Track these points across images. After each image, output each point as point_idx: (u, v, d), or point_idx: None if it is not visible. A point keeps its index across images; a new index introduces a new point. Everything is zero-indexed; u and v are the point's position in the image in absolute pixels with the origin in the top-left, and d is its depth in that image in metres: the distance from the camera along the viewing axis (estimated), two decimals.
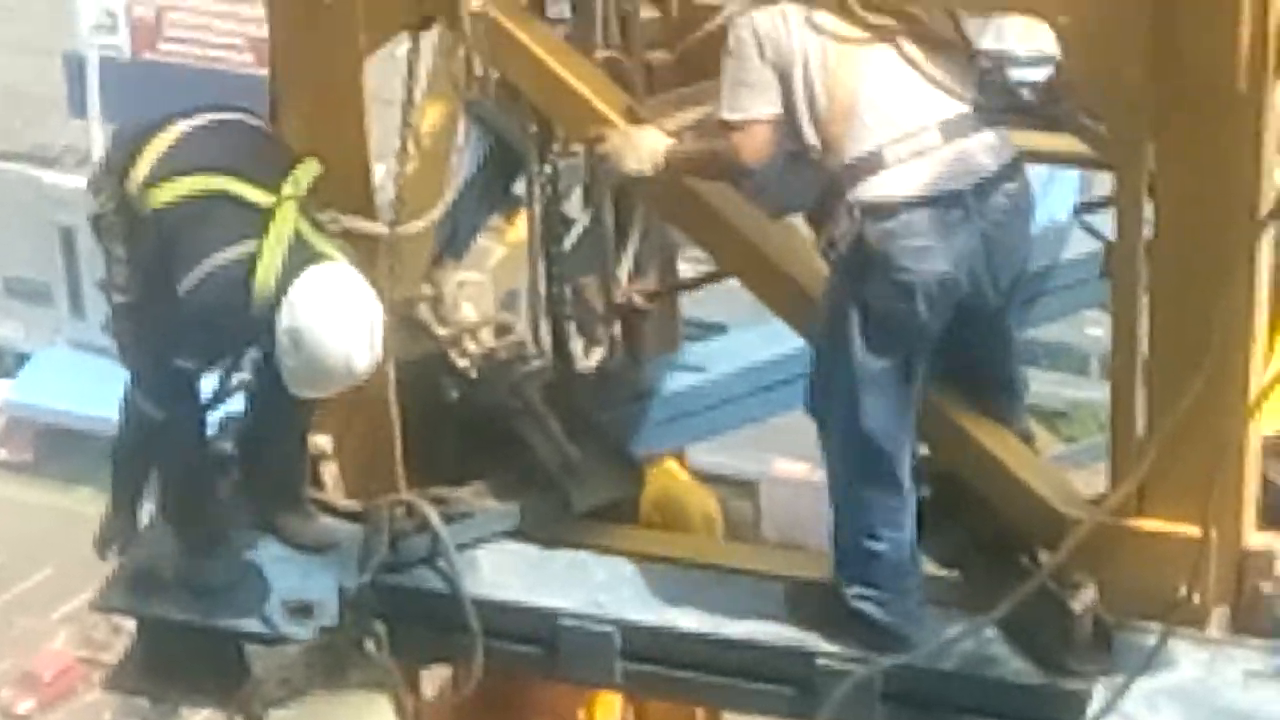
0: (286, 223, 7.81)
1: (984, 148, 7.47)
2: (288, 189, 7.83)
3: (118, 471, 8.40)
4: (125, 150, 8.03)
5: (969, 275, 7.42)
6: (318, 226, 7.79)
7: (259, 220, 7.80)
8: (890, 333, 7.45)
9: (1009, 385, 7.97)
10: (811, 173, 7.52)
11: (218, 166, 7.92)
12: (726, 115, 7.47)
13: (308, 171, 7.85)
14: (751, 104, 7.44)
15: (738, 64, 7.45)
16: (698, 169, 7.76)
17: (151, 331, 7.97)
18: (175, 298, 7.78)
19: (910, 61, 7.47)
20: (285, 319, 7.60)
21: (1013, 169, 7.52)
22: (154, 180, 7.90)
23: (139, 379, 8.09)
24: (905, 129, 7.41)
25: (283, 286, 7.66)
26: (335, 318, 7.60)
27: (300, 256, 7.69)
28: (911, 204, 7.34)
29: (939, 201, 7.36)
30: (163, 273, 7.85)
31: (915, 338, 7.47)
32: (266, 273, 7.72)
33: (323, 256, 7.69)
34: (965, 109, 7.48)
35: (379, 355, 7.63)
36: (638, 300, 8.96)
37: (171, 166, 7.91)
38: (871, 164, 7.39)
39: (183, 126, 8.02)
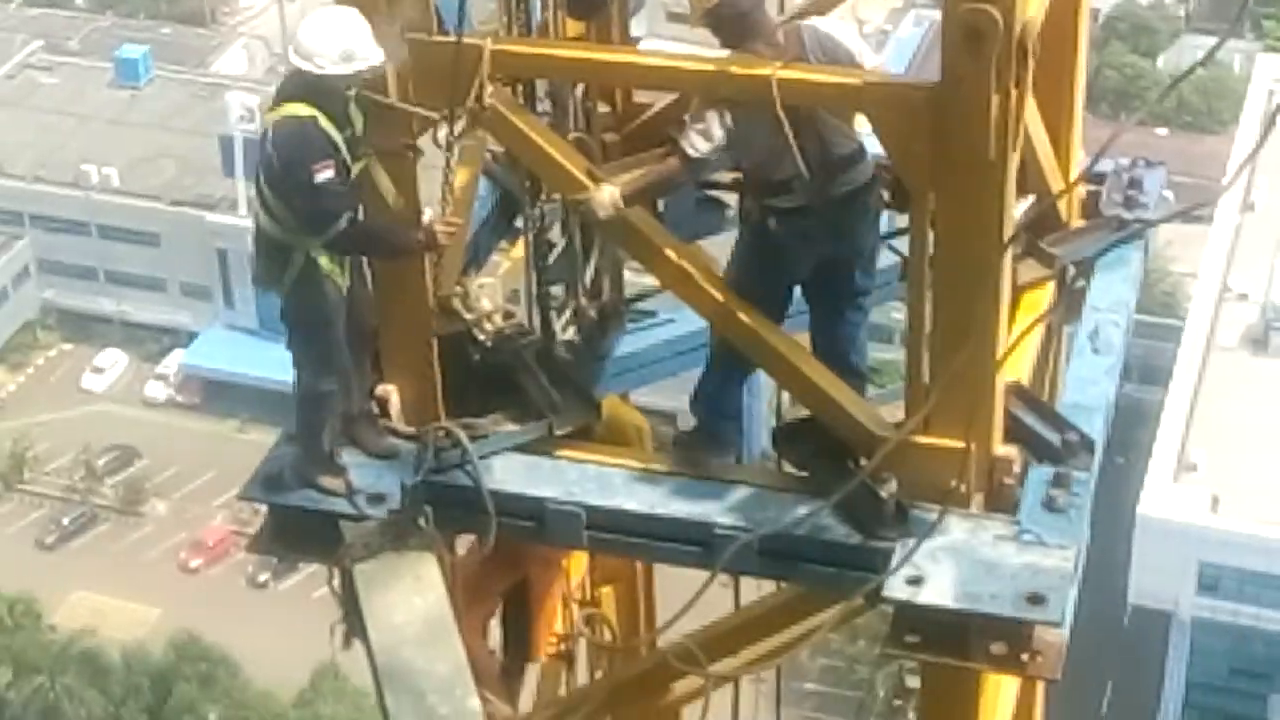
0: (271, 112, 7.70)
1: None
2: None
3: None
4: (263, 239, 7.88)
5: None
6: None
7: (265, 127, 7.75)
8: (776, 265, 7.62)
9: (846, 353, 8.00)
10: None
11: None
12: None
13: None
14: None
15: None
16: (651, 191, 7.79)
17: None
18: (296, 208, 7.60)
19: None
20: (307, 61, 7.46)
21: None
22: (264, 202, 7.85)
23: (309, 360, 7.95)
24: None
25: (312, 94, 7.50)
26: (336, 23, 7.47)
27: None
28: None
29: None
30: (290, 212, 7.67)
31: (789, 270, 7.64)
32: (296, 106, 7.56)
33: None
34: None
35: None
36: (591, 311, 8.95)
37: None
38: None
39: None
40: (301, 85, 7.60)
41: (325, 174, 7.51)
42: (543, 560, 9.27)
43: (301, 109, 7.59)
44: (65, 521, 64.62)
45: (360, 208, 7.78)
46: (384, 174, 7.80)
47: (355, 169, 7.68)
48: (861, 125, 7.58)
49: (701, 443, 8.00)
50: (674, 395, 8.33)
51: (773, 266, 7.78)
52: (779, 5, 8.80)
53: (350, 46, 7.47)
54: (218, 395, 68.13)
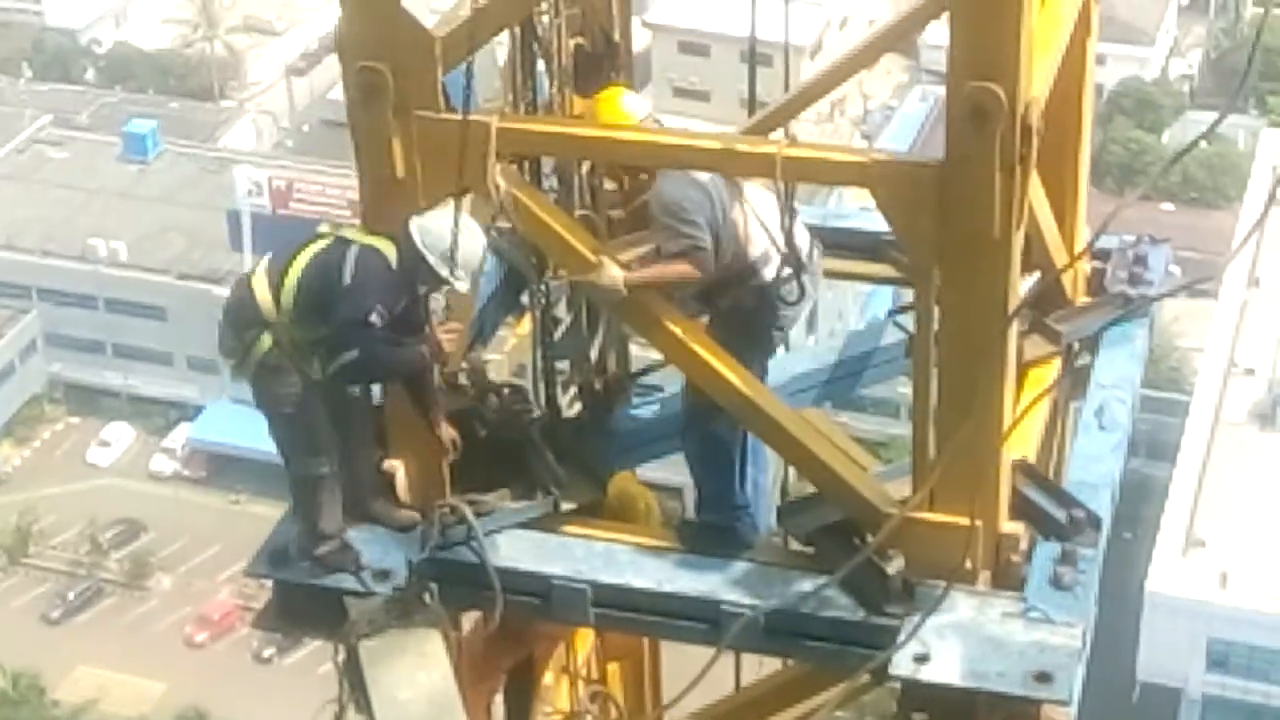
0: (355, 231, 7.74)
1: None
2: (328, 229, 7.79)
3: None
4: (246, 308, 7.83)
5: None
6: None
7: (339, 241, 7.73)
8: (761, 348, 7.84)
9: None
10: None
11: (292, 255, 7.81)
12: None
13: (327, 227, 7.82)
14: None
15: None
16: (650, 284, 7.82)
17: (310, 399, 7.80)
18: (333, 325, 7.62)
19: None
20: (433, 246, 7.56)
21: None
22: (276, 296, 7.75)
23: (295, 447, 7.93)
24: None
25: (402, 242, 7.59)
26: (461, 227, 7.60)
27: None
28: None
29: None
30: (319, 331, 7.68)
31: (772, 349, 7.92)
32: (384, 244, 7.65)
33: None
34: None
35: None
36: (597, 386, 8.97)
37: (275, 283, 7.76)
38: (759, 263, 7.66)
39: (261, 265, 7.88)
40: (400, 240, 7.68)
41: (378, 318, 7.58)
42: (549, 637, 9.24)
43: (390, 248, 7.70)
44: (70, 596, 64.43)
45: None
46: None
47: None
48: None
49: (721, 539, 7.98)
50: (680, 470, 8.33)
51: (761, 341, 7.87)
52: (784, 84, 8.86)
53: (456, 252, 7.62)
54: (224, 469, 68.06)
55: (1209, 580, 52.41)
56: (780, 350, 8.39)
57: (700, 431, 8.01)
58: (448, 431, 7.98)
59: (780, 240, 7.76)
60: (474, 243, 7.68)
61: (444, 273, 7.62)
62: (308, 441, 7.88)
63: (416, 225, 7.63)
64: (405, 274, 7.67)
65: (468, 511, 7.91)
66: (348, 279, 7.63)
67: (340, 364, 7.69)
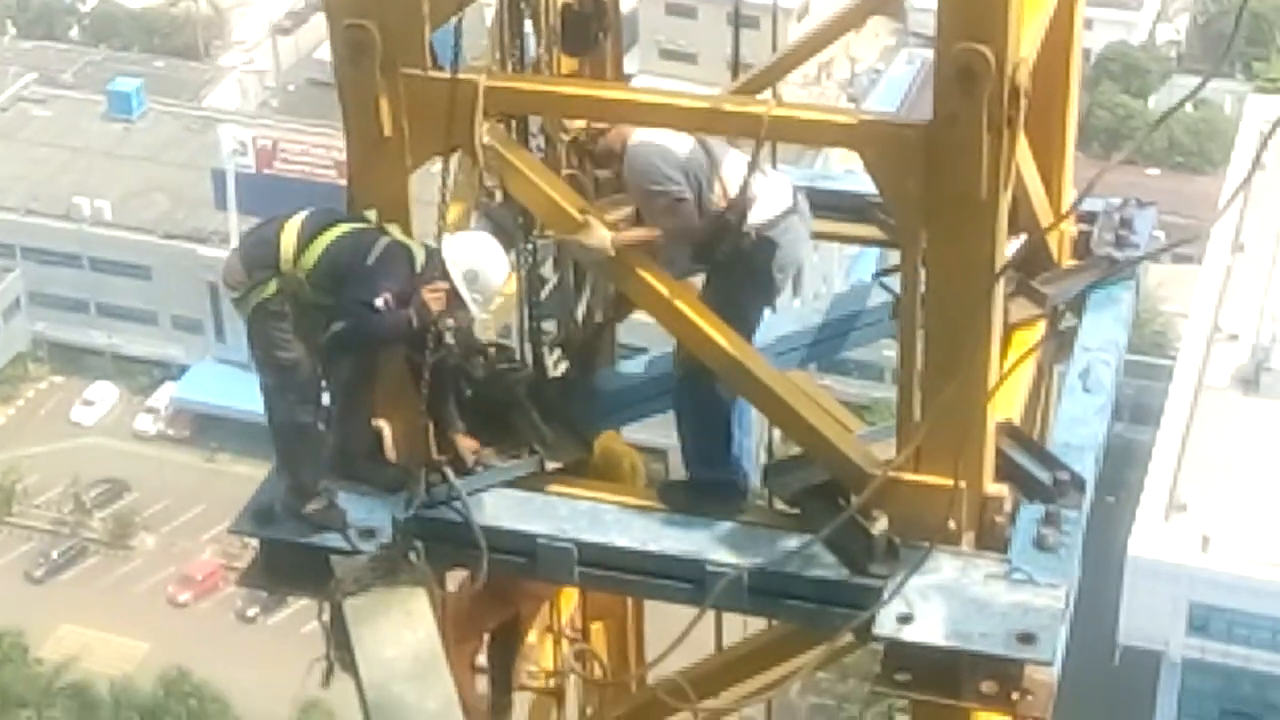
0: (393, 227, 7.81)
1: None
2: (374, 217, 7.84)
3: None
4: (266, 250, 7.89)
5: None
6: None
7: (377, 229, 7.79)
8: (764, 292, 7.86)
9: None
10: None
11: (330, 223, 7.87)
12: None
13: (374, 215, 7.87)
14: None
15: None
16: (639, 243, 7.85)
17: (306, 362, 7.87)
18: (341, 298, 7.71)
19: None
20: (459, 263, 7.68)
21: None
22: (300, 251, 7.80)
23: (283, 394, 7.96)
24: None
25: (431, 253, 7.71)
26: (488, 253, 7.72)
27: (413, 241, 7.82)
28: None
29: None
30: (325, 299, 7.76)
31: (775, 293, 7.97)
32: (416, 246, 7.77)
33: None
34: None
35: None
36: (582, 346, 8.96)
37: (304, 240, 7.82)
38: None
39: (297, 217, 7.93)
40: (433, 246, 7.83)
41: (383, 304, 7.70)
42: (534, 597, 9.26)
43: (419, 252, 7.83)
44: (54, 555, 64.42)
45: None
46: None
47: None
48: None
49: (715, 493, 8.00)
50: (664, 432, 8.33)
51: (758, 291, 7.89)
52: (771, 45, 8.85)
53: (480, 274, 7.78)
54: (208, 429, 68.03)
55: (1191, 544, 52.55)
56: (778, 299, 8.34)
57: (696, 390, 7.99)
58: (467, 443, 8.04)
59: (765, 183, 7.78)
60: (499, 270, 7.85)
61: (463, 290, 7.75)
62: (296, 389, 7.91)
63: (449, 241, 7.78)
64: (423, 280, 7.76)
65: (450, 472, 7.90)
66: (371, 261, 7.73)
67: (331, 332, 7.76)
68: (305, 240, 7.83)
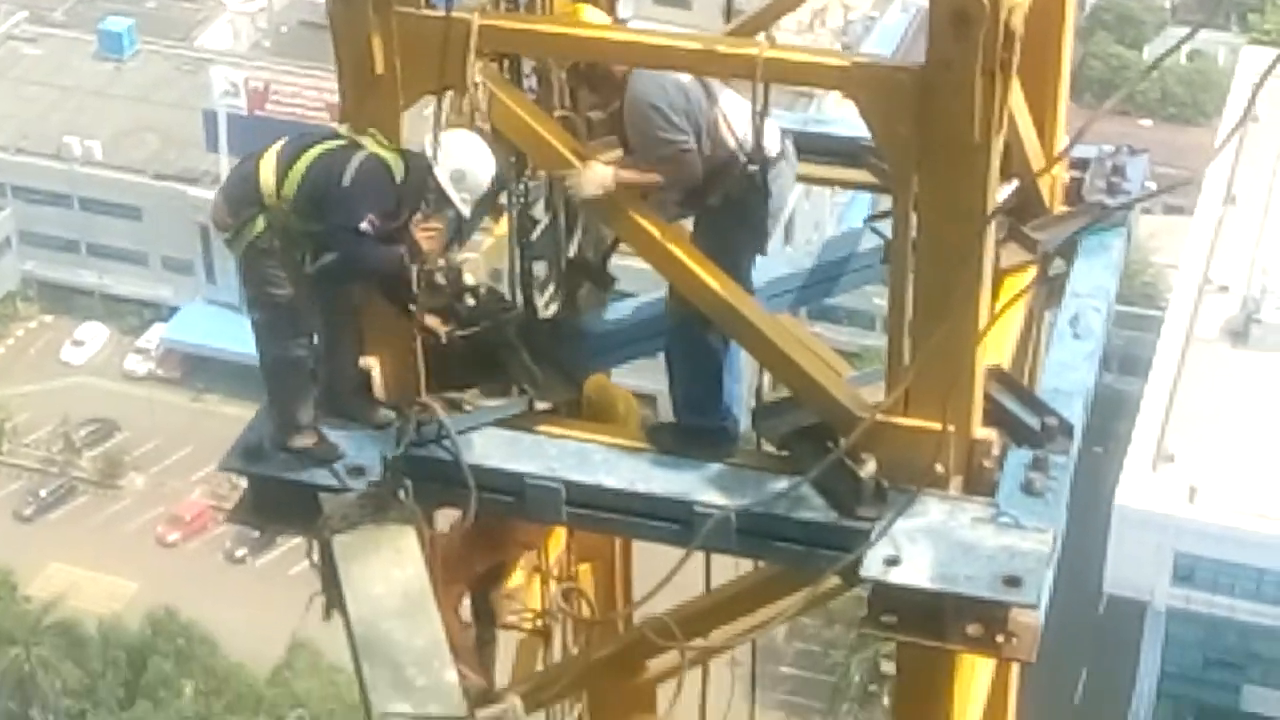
0: (370, 139, 7.73)
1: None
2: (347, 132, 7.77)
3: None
4: (247, 186, 7.82)
5: None
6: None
7: (351, 145, 7.72)
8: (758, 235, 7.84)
9: None
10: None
11: (305, 146, 7.81)
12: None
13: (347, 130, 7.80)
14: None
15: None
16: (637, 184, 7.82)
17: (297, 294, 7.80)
18: (324, 225, 7.64)
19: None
20: (445, 164, 7.61)
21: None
22: (280, 182, 7.75)
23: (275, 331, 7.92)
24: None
25: (411, 158, 7.63)
26: (474, 151, 7.63)
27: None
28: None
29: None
30: (313, 226, 7.70)
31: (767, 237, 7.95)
32: (393, 157, 7.67)
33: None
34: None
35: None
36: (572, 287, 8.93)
37: (282, 169, 7.77)
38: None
39: (274, 148, 7.87)
40: (413, 154, 7.75)
41: (369, 226, 7.63)
42: (524, 544, 9.27)
43: (400, 168, 7.71)
44: (43, 493, 64.51)
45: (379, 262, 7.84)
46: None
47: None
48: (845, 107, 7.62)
49: (705, 439, 7.99)
50: (653, 377, 8.33)
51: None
52: (725, 13, 8.80)
53: (466, 173, 7.71)
54: (198, 370, 68.04)
55: (1177, 495, 52.72)
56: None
57: (689, 337, 7.98)
58: (431, 320, 7.99)
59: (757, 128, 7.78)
60: (485, 169, 7.75)
61: (450, 190, 7.69)
62: (291, 324, 7.88)
63: (433, 139, 7.68)
64: (408, 189, 7.70)
65: (440, 410, 7.91)
66: (346, 182, 7.65)
67: (320, 264, 7.73)
68: (283, 169, 7.76)
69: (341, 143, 7.77)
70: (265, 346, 7.97)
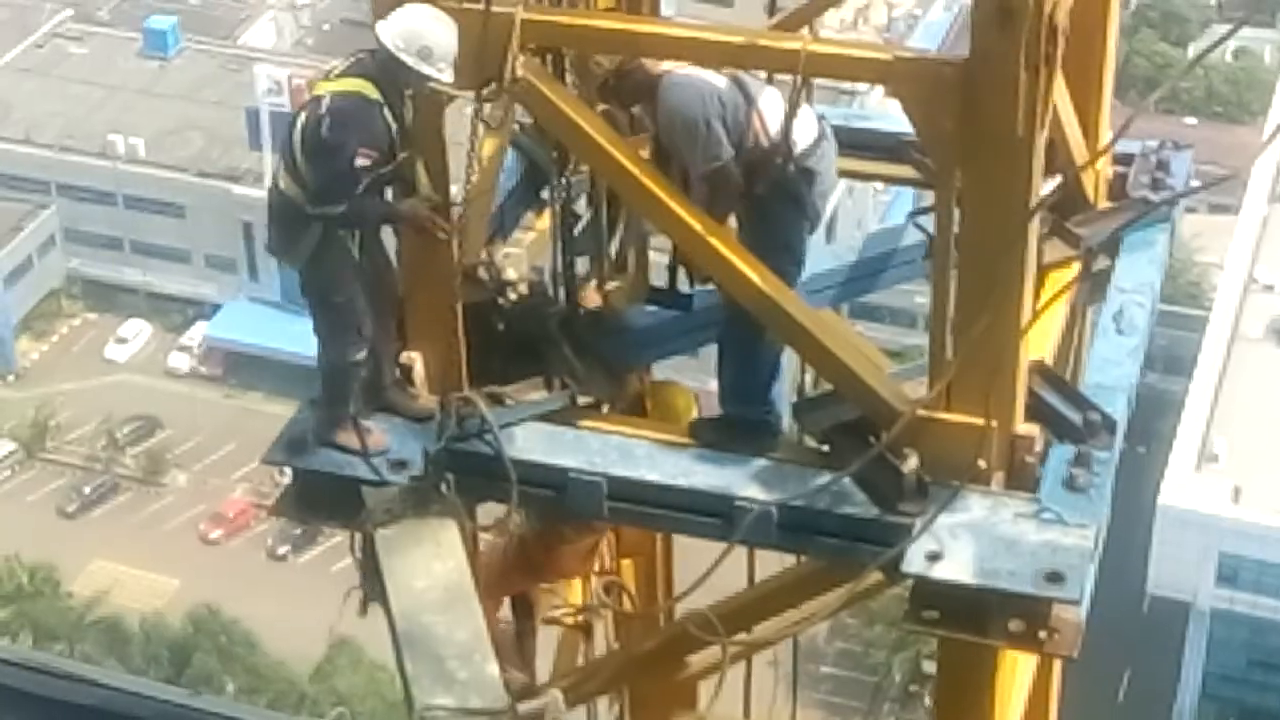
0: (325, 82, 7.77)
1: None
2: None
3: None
4: (282, 200, 7.86)
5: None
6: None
7: (314, 99, 7.76)
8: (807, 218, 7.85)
9: None
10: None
11: (290, 126, 7.87)
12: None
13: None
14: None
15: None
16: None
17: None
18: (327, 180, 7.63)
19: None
20: (407, 48, 7.47)
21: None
22: (292, 174, 7.79)
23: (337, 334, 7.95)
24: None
25: (373, 71, 7.59)
26: (426, 21, 7.52)
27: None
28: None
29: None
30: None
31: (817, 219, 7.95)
32: (354, 83, 7.63)
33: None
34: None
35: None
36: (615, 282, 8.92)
37: (288, 162, 7.81)
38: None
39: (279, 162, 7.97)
40: (372, 68, 7.65)
41: (365, 160, 7.57)
42: (565, 571, 9.31)
43: (370, 90, 7.64)
44: (86, 490, 64.81)
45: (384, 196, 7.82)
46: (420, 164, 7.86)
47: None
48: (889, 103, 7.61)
49: (749, 431, 7.98)
50: (697, 375, 8.31)
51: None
52: (767, 8, 8.80)
53: (431, 45, 7.52)
54: (240, 367, 68.27)
55: (1221, 495, 52.51)
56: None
57: (746, 327, 7.94)
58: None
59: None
60: (444, 30, 7.54)
61: (424, 70, 7.54)
62: (351, 327, 7.87)
63: (384, 32, 7.55)
64: (387, 98, 7.60)
65: (482, 404, 7.91)
66: (325, 131, 7.61)
67: (328, 216, 7.68)
68: (292, 169, 7.78)
69: (309, 107, 7.75)
70: (326, 350, 7.98)
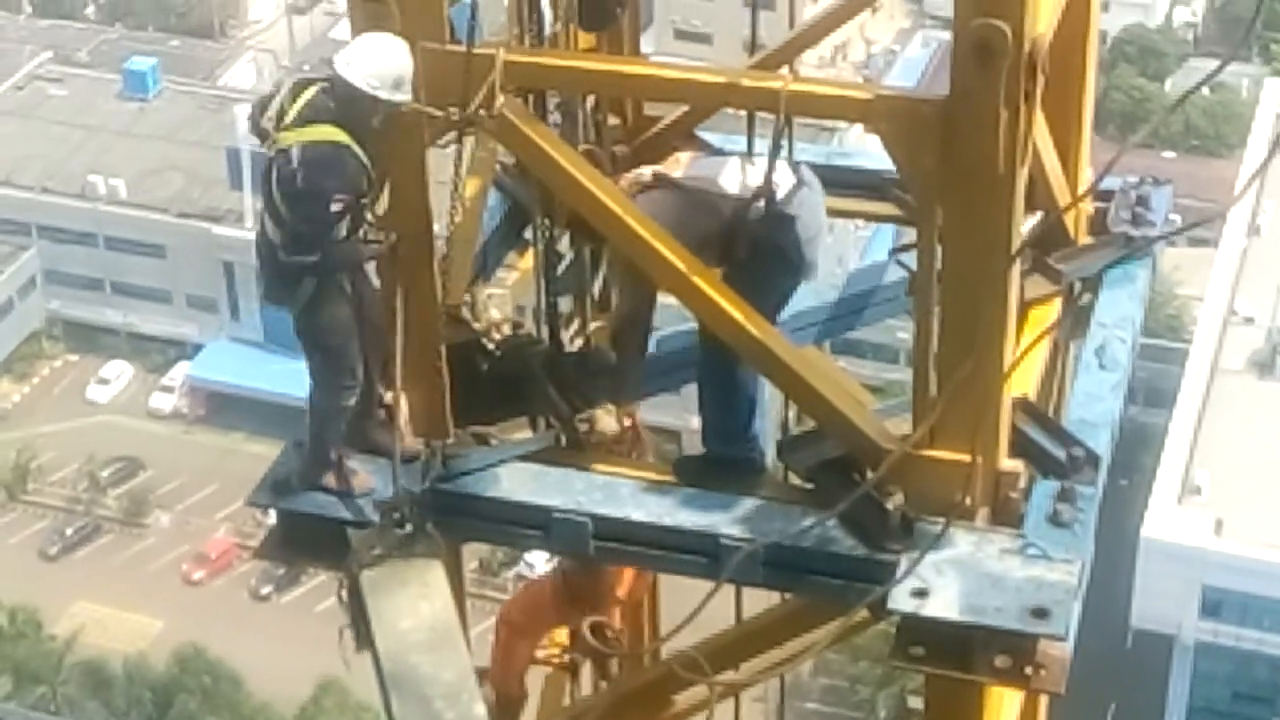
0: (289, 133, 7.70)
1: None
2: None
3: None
4: (270, 250, 7.88)
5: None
6: None
7: (283, 151, 7.70)
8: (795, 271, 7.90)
9: None
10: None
11: (264, 182, 7.84)
12: None
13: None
14: None
15: None
16: None
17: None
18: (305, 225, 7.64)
19: None
20: (379, 84, 7.48)
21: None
22: (276, 220, 7.82)
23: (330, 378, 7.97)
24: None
25: (337, 112, 7.57)
26: (388, 54, 7.50)
27: None
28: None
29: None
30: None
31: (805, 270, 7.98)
32: (321, 130, 7.60)
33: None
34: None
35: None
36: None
37: (272, 210, 7.82)
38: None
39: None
40: (335, 109, 7.63)
41: (339, 205, 7.58)
42: (619, 599, 9.37)
43: (337, 134, 7.62)
44: (68, 532, 64.59)
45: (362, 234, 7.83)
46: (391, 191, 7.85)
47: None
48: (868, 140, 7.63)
49: (732, 469, 8.00)
50: (678, 413, 8.31)
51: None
52: (788, 21, 8.85)
53: (403, 74, 7.53)
54: (223, 408, 68.15)
55: (1204, 527, 52.54)
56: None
57: (721, 365, 7.95)
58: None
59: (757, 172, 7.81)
60: (404, 53, 7.53)
61: (385, 96, 7.52)
62: (347, 371, 7.89)
63: (353, 75, 7.54)
64: (355, 136, 7.58)
65: (468, 445, 7.92)
66: (300, 182, 7.61)
67: (303, 264, 7.70)
68: (273, 210, 7.76)
69: (280, 159, 7.71)
70: (317, 393, 7.99)
